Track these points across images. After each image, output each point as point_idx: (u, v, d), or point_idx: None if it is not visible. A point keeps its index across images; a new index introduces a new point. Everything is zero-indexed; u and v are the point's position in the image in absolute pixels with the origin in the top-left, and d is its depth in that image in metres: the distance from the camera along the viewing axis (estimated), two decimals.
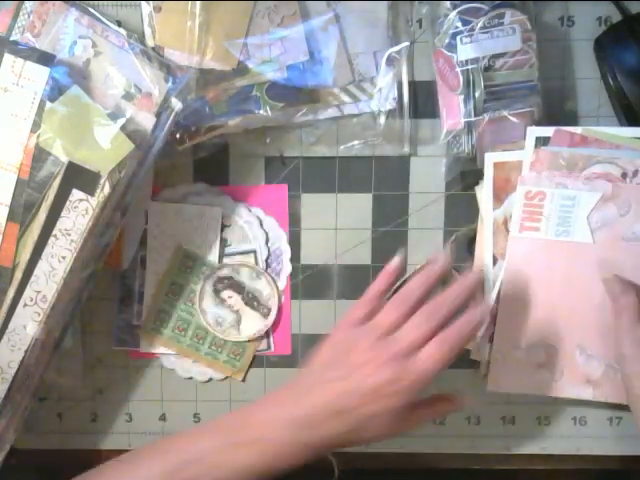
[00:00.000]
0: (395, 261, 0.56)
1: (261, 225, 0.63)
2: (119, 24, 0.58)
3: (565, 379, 0.60)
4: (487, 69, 0.56)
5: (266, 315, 0.64)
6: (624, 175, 0.56)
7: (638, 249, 0.57)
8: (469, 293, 0.54)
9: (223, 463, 0.53)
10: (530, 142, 0.57)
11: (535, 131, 0.57)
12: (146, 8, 0.58)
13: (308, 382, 0.54)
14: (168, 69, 0.55)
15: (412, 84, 0.60)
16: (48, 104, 0.53)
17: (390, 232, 0.63)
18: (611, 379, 0.59)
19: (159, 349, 0.65)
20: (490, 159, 0.58)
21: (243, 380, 0.65)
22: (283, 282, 0.64)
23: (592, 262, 0.58)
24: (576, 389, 0.61)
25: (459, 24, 0.56)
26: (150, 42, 0.58)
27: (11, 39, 0.54)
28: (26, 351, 0.55)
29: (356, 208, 0.63)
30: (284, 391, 0.55)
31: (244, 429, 0.54)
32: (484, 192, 0.59)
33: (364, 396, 0.52)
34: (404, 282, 0.56)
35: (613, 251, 0.57)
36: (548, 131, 0.57)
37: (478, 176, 0.60)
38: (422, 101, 0.61)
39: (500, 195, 0.59)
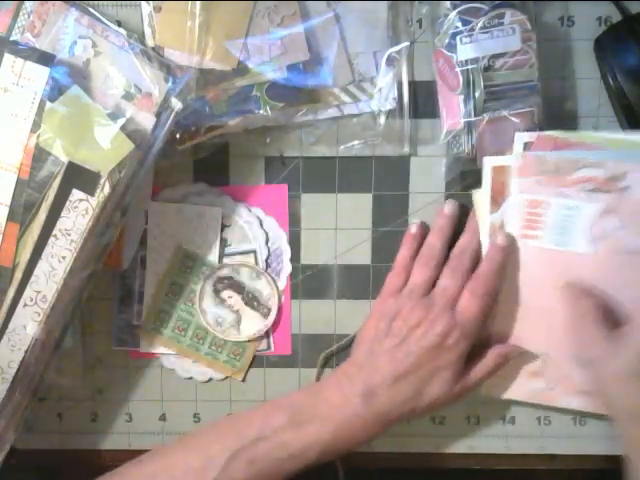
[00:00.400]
0: (413, 227, 0.61)
1: (261, 225, 0.63)
2: (119, 24, 0.58)
3: (559, 389, 0.60)
4: (487, 69, 0.56)
5: (266, 315, 0.64)
6: (612, 178, 0.55)
7: (638, 261, 0.56)
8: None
9: (293, 440, 0.55)
10: (518, 148, 0.57)
11: (523, 137, 0.57)
12: (146, 8, 0.58)
13: (367, 356, 0.57)
14: (168, 69, 0.55)
15: (412, 84, 0.60)
16: (48, 104, 0.53)
17: (390, 232, 0.63)
18: None
19: (159, 349, 0.65)
20: (489, 163, 0.58)
21: (243, 380, 0.65)
22: (283, 282, 0.64)
23: (591, 273, 0.57)
24: (570, 399, 0.60)
25: (459, 24, 0.56)
26: (150, 42, 0.58)
27: (11, 39, 0.54)
28: (26, 351, 0.55)
29: (356, 208, 0.63)
30: (346, 368, 0.58)
31: (313, 407, 0.56)
32: (483, 196, 0.59)
33: (424, 355, 0.55)
34: None
35: (613, 262, 0.56)
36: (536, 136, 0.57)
37: (478, 176, 0.61)
38: (422, 101, 0.61)
39: (497, 199, 0.58)
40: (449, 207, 0.60)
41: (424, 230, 0.61)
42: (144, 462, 0.58)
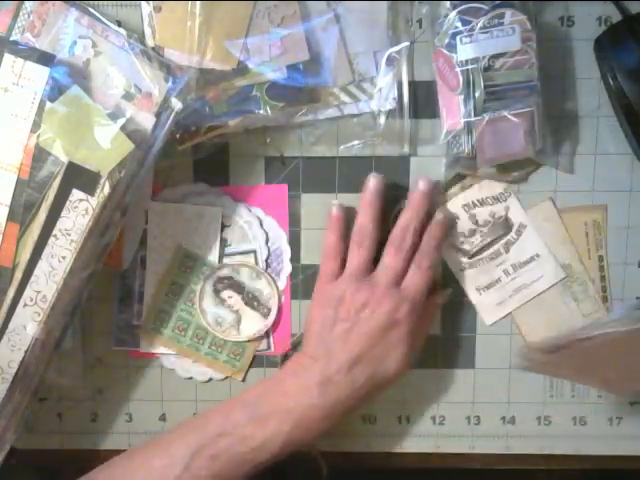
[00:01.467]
0: (333, 209, 0.60)
1: (261, 225, 0.63)
2: (119, 24, 0.57)
3: None
4: (487, 69, 0.56)
5: (266, 315, 0.64)
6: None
7: None
8: (423, 208, 0.59)
9: (254, 434, 0.55)
10: None
11: None
12: (146, 8, 0.58)
13: (318, 345, 0.57)
14: (168, 69, 0.55)
15: (412, 84, 0.60)
16: (48, 104, 0.53)
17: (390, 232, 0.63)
18: None
19: (159, 349, 0.65)
20: None
21: (243, 380, 0.65)
22: (283, 282, 0.64)
23: None
24: None
25: (459, 24, 0.56)
26: (150, 42, 0.58)
27: (11, 39, 0.54)
28: (26, 351, 0.55)
29: (356, 208, 0.63)
30: (301, 359, 0.58)
31: (271, 400, 0.56)
32: None
33: (375, 334, 0.56)
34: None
35: None
36: None
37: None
38: (422, 101, 0.61)
39: None
40: (374, 182, 0.59)
41: (345, 211, 0.60)
42: (111, 466, 0.58)
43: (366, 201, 0.59)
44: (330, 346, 0.56)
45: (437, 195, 0.61)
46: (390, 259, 0.58)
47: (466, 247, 0.61)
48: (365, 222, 0.59)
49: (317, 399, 0.55)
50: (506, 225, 0.62)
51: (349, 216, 0.60)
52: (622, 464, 0.65)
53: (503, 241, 0.62)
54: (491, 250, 0.62)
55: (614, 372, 0.57)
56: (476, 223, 0.61)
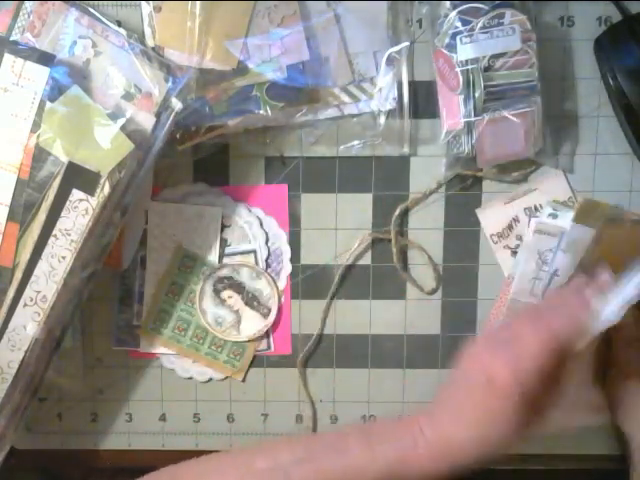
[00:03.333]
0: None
1: (261, 225, 0.63)
2: (119, 24, 0.57)
3: None
4: (487, 69, 0.56)
5: (266, 315, 0.64)
6: None
7: None
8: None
9: (365, 463, 0.52)
10: None
11: None
12: (146, 8, 0.58)
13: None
14: (168, 69, 0.55)
15: (412, 84, 0.60)
16: (48, 104, 0.53)
17: (390, 232, 0.63)
18: None
19: (159, 349, 0.65)
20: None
21: (243, 380, 0.65)
22: (283, 282, 0.64)
23: None
24: None
25: (459, 24, 0.56)
26: (150, 42, 0.58)
27: (11, 39, 0.54)
28: (26, 351, 0.55)
29: (356, 208, 0.63)
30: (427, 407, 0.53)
31: (390, 435, 0.52)
32: None
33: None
34: None
35: None
36: None
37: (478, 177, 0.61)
38: (422, 101, 0.61)
39: None
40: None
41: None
42: (200, 462, 0.56)
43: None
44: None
45: None
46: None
47: None
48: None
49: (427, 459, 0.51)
50: None
51: None
52: (622, 464, 0.65)
53: None
54: None
55: None
56: None
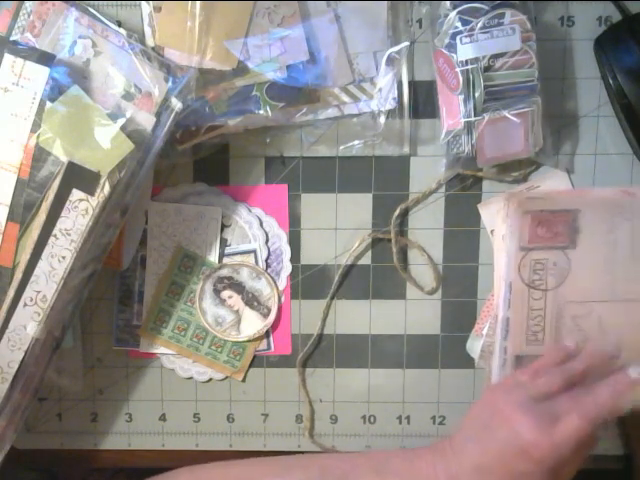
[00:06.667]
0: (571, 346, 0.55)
1: (261, 225, 0.63)
2: (119, 24, 0.58)
3: None
4: (487, 69, 0.56)
5: (266, 315, 0.64)
6: None
7: None
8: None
9: None
10: None
11: None
12: (146, 8, 0.58)
13: (460, 439, 0.52)
14: (168, 69, 0.55)
15: (412, 84, 0.60)
16: (48, 104, 0.53)
17: (390, 232, 0.63)
18: None
19: (159, 349, 0.65)
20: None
21: (243, 380, 0.65)
22: (283, 282, 0.64)
23: None
24: None
25: (459, 24, 0.56)
26: (150, 42, 0.58)
27: (11, 39, 0.54)
28: (26, 351, 0.55)
29: (356, 208, 0.63)
30: (447, 444, 0.53)
31: (399, 463, 0.53)
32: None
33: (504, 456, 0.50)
34: None
35: None
36: None
37: (478, 177, 0.61)
38: (422, 101, 0.61)
39: None
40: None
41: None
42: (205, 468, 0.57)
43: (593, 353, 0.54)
44: (468, 444, 0.51)
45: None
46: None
47: None
48: (577, 365, 0.53)
49: None
50: None
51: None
52: (622, 464, 0.65)
53: None
54: None
55: None
56: None
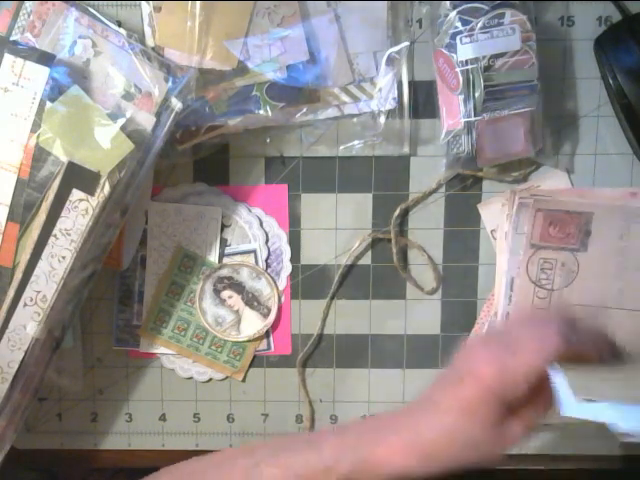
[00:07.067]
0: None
1: (261, 225, 0.63)
2: (119, 24, 0.57)
3: None
4: (487, 69, 0.56)
5: (266, 315, 0.64)
6: None
7: None
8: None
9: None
10: None
11: None
12: (146, 8, 0.58)
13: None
14: (168, 69, 0.55)
15: (412, 84, 0.60)
16: (48, 104, 0.53)
17: (390, 232, 0.63)
18: None
19: (159, 349, 0.65)
20: None
21: (243, 380, 0.65)
22: (283, 282, 0.64)
23: None
24: None
25: (459, 24, 0.56)
26: (150, 42, 0.58)
27: (11, 39, 0.54)
28: (26, 351, 0.55)
29: (356, 208, 0.63)
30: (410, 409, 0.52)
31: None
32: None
33: None
34: None
35: None
36: None
37: (478, 177, 0.61)
38: (422, 101, 0.61)
39: None
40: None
41: None
42: (193, 460, 0.56)
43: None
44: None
45: None
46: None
47: None
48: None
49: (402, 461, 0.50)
50: None
51: None
52: (622, 464, 0.65)
53: None
54: None
55: None
56: None
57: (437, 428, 0.48)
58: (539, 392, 0.49)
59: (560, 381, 0.46)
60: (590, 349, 0.50)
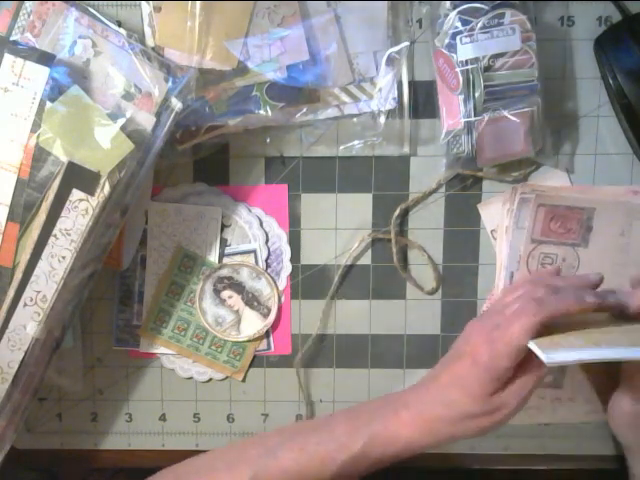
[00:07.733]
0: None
1: (261, 225, 0.63)
2: (119, 24, 0.58)
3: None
4: (487, 69, 0.56)
5: (266, 315, 0.64)
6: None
7: None
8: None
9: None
10: None
11: None
12: (146, 8, 0.58)
13: None
14: (168, 69, 0.55)
15: (412, 84, 0.60)
16: (48, 104, 0.53)
17: (390, 232, 0.63)
18: None
19: (159, 349, 0.65)
20: None
21: (243, 380, 0.65)
22: (283, 282, 0.64)
23: None
24: None
25: (459, 24, 0.56)
26: (150, 42, 0.58)
27: (11, 39, 0.54)
28: (26, 351, 0.55)
29: (356, 208, 0.63)
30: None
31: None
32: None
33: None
34: None
35: None
36: None
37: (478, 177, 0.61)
38: (422, 101, 0.61)
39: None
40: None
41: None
42: (198, 458, 0.58)
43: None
44: None
45: None
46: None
47: None
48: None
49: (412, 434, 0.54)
50: None
51: None
52: (622, 464, 0.65)
53: None
54: None
55: None
56: None
57: (438, 402, 0.52)
58: (528, 361, 0.51)
59: (535, 348, 0.49)
60: (571, 301, 0.51)
